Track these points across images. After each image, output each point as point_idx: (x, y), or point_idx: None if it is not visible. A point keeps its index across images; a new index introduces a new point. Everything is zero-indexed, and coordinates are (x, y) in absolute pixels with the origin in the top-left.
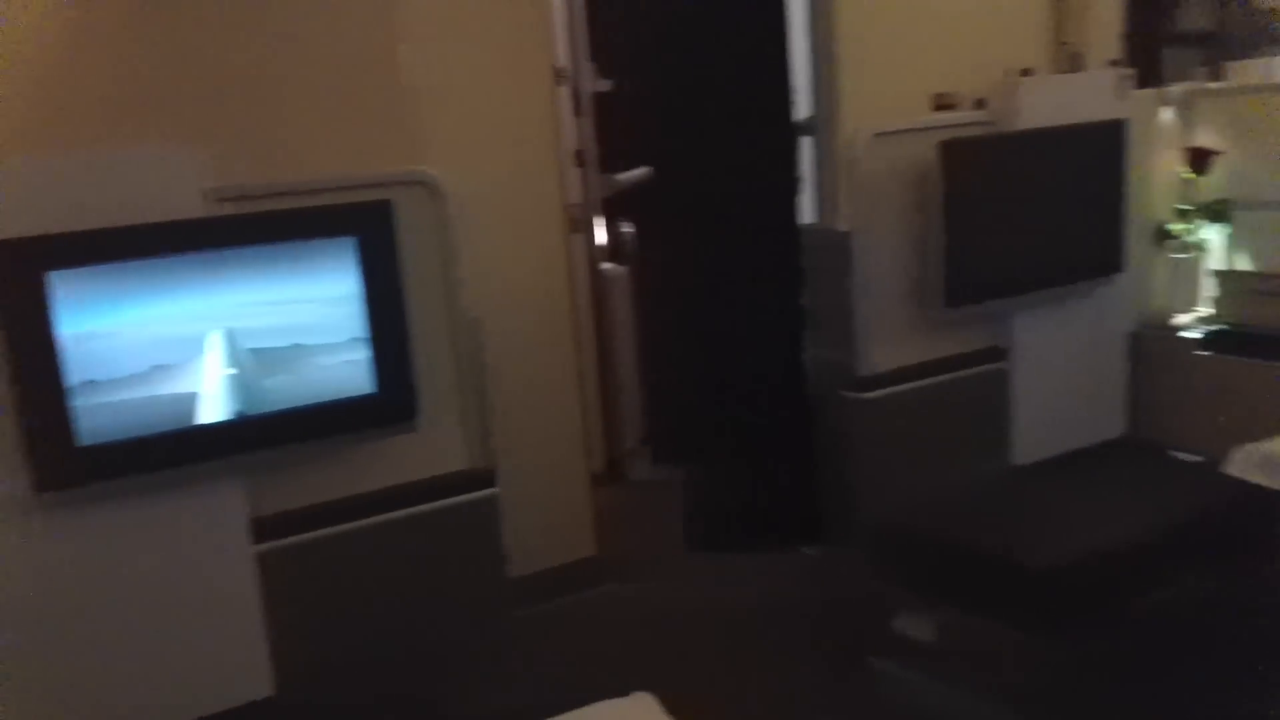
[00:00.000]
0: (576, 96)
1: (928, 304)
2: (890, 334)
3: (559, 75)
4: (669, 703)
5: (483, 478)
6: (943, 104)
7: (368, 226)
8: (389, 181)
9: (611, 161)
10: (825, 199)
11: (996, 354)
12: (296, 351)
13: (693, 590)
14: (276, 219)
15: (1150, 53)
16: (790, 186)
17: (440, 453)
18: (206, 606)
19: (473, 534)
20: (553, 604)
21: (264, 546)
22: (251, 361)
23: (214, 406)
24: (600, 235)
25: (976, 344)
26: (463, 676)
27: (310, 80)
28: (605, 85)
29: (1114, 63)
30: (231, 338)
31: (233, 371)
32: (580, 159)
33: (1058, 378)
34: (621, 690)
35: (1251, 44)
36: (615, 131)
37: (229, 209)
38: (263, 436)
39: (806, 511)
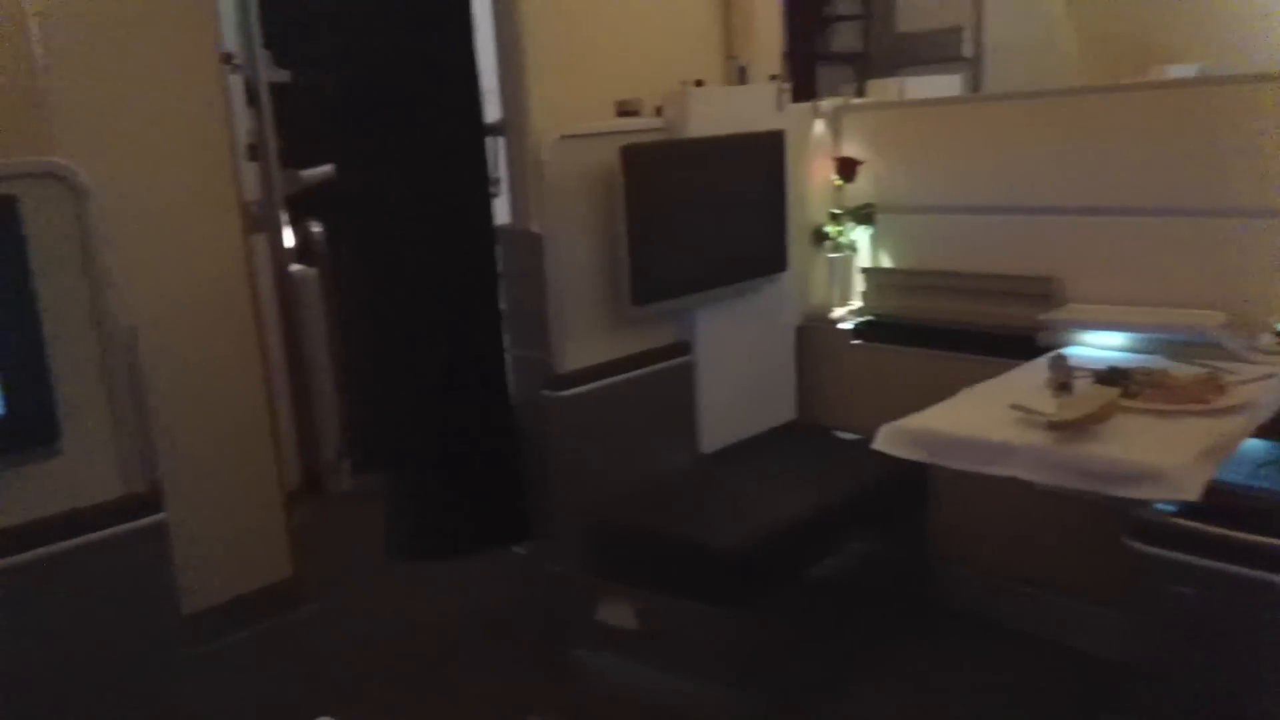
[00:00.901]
0: (250, 86)
1: (618, 302)
2: (585, 332)
3: (228, 62)
4: None
5: (146, 503)
6: (625, 110)
7: None
8: (12, 174)
9: (295, 157)
10: (518, 200)
11: (683, 349)
12: None
13: (397, 603)
14: None
15: (807, 69)
16: (483, 187)
17: (92, 478)
18: None
19: (137, 567)
20: (242, 634)
21: None
22: None
23: None
24: (288, 235)
25: (665, 340)
26: None
27: None
28: (283, 76)
29: (774, 77)
30: None
31: None
32: (255, 153)
33: (736, 370)
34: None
35: (892, 64)
36: (296, 125)
37: None
38: None
39: (513, 511)
